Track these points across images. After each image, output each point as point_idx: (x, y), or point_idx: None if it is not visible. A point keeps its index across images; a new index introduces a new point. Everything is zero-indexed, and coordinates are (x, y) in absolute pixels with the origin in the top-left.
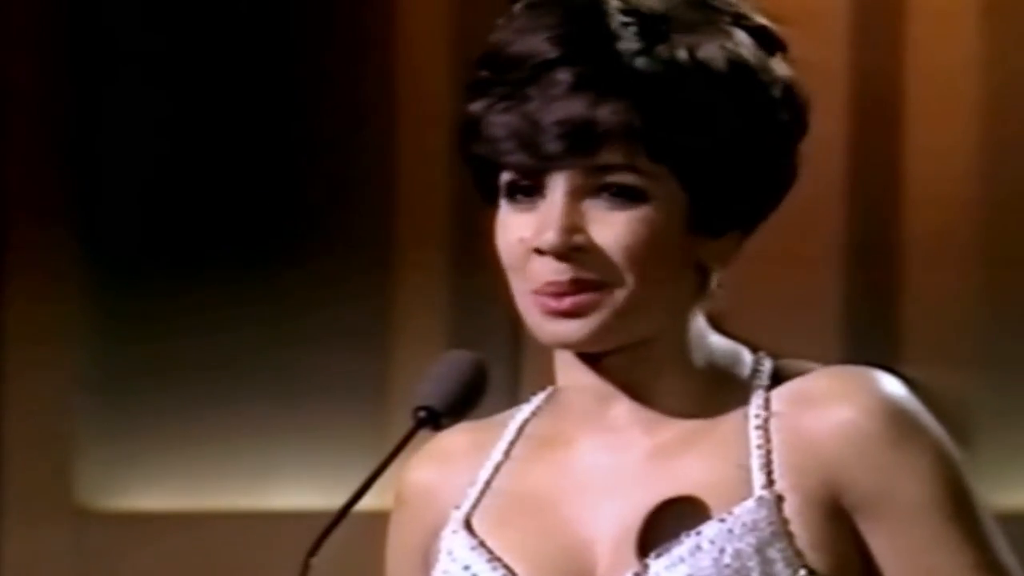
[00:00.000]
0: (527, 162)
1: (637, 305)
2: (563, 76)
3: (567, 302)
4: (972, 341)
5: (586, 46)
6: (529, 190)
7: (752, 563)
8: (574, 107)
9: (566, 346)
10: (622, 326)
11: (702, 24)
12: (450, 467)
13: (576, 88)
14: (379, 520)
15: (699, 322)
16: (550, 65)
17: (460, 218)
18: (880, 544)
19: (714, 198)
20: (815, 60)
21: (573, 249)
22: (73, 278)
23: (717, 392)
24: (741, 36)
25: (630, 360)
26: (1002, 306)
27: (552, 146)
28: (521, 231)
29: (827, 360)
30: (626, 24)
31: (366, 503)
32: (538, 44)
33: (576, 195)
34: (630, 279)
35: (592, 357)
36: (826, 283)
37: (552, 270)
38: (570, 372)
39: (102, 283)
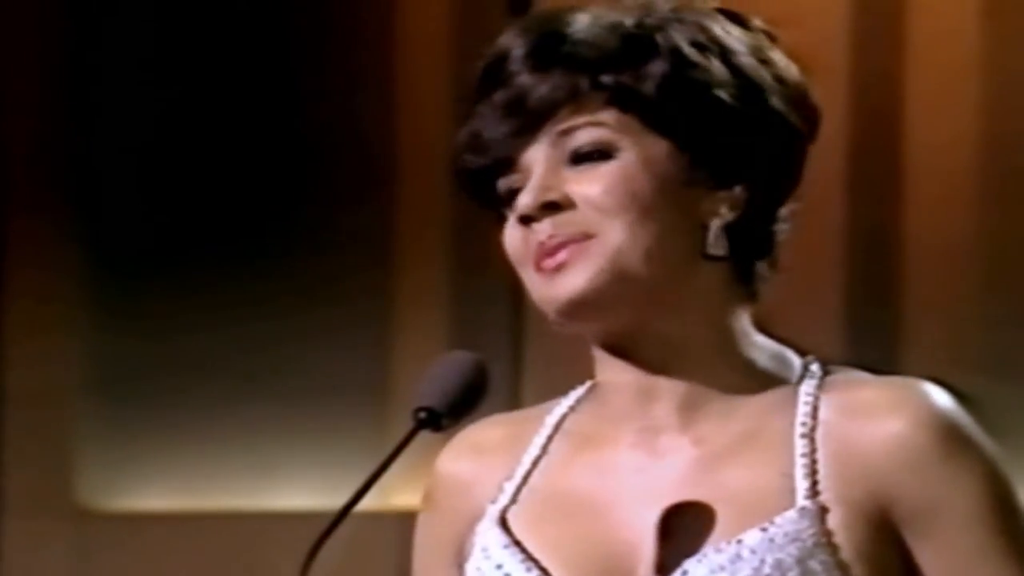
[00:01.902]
0: (498, 153)
1: (628, 251)
2: (515, 57)
3: (560, 254)
4: (972, 338)
5: (537, 32)
6: (521, 188)
7: (792, 574)
8: (520, 84)
9: (574, 306)
10: (619, 273)
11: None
12: (485, 460)
13: (523, 65)
14: (380, 520)
15: (740, 320)
16: (506, 55)
17: (460, 218)
18: (926, 557)
19: (694, 143)
20: (815, 60)
21: (549, 206)
22: (73, 279)
23: (762, 394)
24: (699, 7)
25: (661, 346)
26: (1002, 303)
27: (504, 127)
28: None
29: (830, 362)
30: (579, 16)
31: (367, 503)
32: (502, 45)
33: (553, 163)
34: (614, 225)
35: (625, 350)
36: (827, 282)
37: (536, 234)
38: (608, 368)
39: (103, 283)
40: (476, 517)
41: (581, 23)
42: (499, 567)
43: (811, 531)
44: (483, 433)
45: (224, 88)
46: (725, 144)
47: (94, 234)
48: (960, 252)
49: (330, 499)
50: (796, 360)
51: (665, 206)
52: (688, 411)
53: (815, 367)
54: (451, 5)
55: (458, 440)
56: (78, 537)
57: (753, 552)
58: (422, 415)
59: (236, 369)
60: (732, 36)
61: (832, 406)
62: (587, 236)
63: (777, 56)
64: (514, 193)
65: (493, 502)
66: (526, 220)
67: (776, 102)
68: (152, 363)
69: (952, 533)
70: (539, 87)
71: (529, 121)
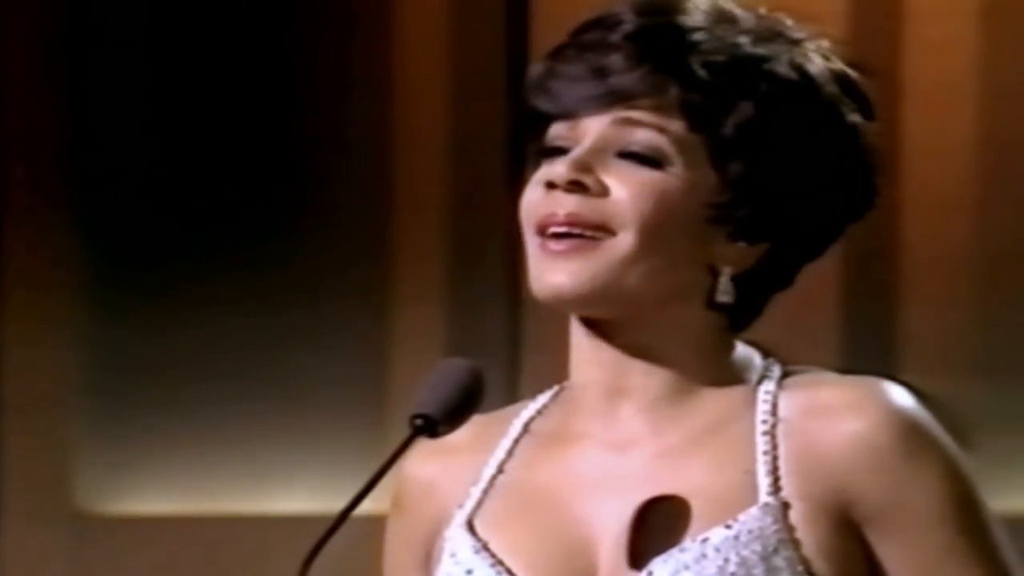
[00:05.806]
0: (564, 107)
1: (633, 261)
2: (622, 30)
3: (565, 243)
4: (971, 345)
5: (652, 16)
6: (566, 149)
7: (758, 571)
8: (614, 60)
9: (561, 299)
10: (616, 280)
11: (775, 37)
12: (452, 462)
13: (626, 40)
14: (377, 524)
15: (718, 330)
16: (615, 24)
17: (459, 219)
18: (890, 556)
19: (740, 189)
20: None
21: (579, 185)
22: (72, 282)
23: (724, 396)
24: (815, 58)
25: (636, 347)
26: (1000, 309)
27: (581, 89)
28: (543, 176)
29: (826, 365)
30: (699, 10)
31: (363, 507)
32: (614, 11)
33: (603, 144)
34: (630, 230)
35: (601, 347)
36: (825, 287)
37: (555, 202)
38: (582, 368)
39: (101, 286)
40: (443, 520)
41: (697, 21)
42: (469, 572)
43: (774, 527)
44: (449, 435)
45: (221, 83)
46: (769, 202)
47: (92, 238)
48: (958, 257)
49: (328, 503)
50: (759, 361)
51: (684, 235)
52: (653, 412)
53: (775, 367)
54: (449, 2)
55: (424, 443)
56: (76, 540)
57: (718, 550)
58: (418, 422)
59: (235, 373)
60: (826, 83)
61: (792, 405)
62: (602, 230)
63: (858, 121)
64: (556, 151)
65: (460, 506)
66: (553, 186)
67: (831, 169)
68: (150, 367)
69: (914, 532)
70: (630, 72)
71: (605, 95)
